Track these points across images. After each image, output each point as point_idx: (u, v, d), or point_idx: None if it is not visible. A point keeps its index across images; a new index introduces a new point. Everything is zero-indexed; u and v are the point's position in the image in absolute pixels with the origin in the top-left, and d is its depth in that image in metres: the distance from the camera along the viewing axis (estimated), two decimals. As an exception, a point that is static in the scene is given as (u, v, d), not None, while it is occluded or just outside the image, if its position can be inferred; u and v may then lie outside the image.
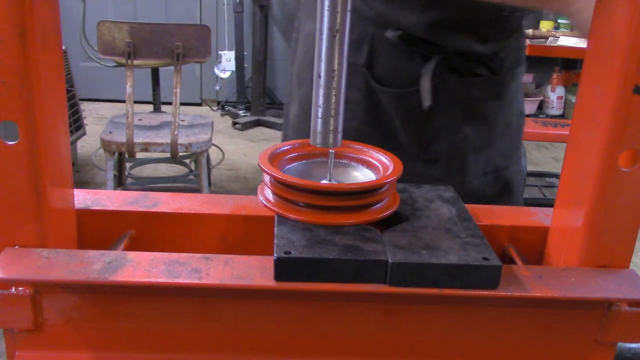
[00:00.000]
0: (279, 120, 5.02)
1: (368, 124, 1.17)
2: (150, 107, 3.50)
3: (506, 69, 1.17)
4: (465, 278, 0.67)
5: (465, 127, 1.15)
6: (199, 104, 5.44)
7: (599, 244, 0.74)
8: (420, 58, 1.11)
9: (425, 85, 1.08)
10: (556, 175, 4.04)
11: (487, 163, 1.19)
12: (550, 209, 0.84)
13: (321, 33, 0.70)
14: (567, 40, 4.15)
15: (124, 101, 2.86)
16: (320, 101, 0.73)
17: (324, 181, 0.81)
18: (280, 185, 0.77)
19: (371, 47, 1.13)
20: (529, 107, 5.26)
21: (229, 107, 5.33)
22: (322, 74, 0.72)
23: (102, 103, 5.24)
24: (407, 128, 1.15)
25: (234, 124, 5.03)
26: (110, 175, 2.96)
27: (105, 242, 0.81)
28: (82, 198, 0.84)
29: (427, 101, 1.09)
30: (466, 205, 0.82)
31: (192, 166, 3.73)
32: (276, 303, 0.72)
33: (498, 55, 1.14)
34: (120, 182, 3.24)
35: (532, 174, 3.96)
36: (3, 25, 0.62)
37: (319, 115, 0.74)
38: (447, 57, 1.10)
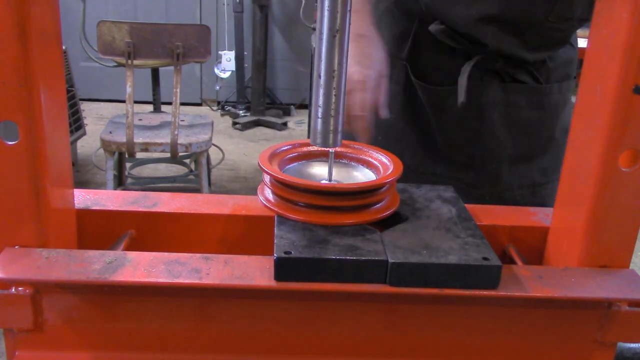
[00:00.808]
0: (279, 120, 5.02)
1: (404, 119, 1.17)
2: (150, 107, 3.50)
3: (553, 81, 1.14)
4: (465, 278, 0.67)
5: (501, 134, 1.14)
6: (199, 104, 5.44)
7: (599, 244, 0.74)
8: (462, 56, 1.10)
9: (462, 81, 1.08)
10: (556, 175, 4.03)
11: (523, 176, 1.17)
12: (550, 209, 0.84)
13: (321, 33, 0.70)
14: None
15: (124, 101, 2.86)
16: (320, 101, 0.73)
17: (323, 181, 0.81)
18: (280, 185, 0.77)
19: (414, 42, 1.14)
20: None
21: (229, 107, 5.33)
22: (322, 74, 0.72)
23: (102, 103, 5.23)
24: (442, 127, 1.15)
25: (234, 124, 5.03)
26: (110, 175, 2.96)
27: (105, 242, 0.81)
28: (82, 198, 0.84)
29: (461, 97, 1.08)
30: (466, 205, 0.82)
31: (192, 166, 3.72)
32: (276, 303, 0.72)
33: (545, 65, 1.12)
34: (120, 182, 3.24)
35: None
36: (3, 25, 0.62)
37: (319, 115, 0.74)
38: (490, 58, 1.10)
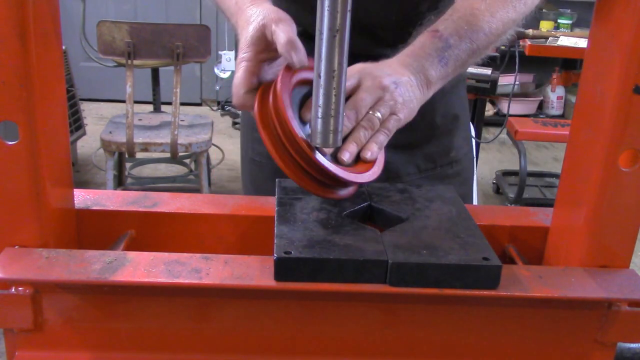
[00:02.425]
0: (279, 120, 5.01)
1: None
2: (150, 107, 3.50)
3: None
4: (465, 278, 0.67)
5: None
6: (199, 104, 5.44)
7: (599, 244, 0.74)
8: None
9: None
10: (556, 175, 4.04)
11: (408, 164, 1.20)
12: (550, 209, 0.84)
13: (321, 33, 0.70)
14: (567, 40, 4.14)
15: (124, 101, 2.86)
16: (320, 101, 0.73)
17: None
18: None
19: None
20: (529, 107, 5.25)
21: (229, 107, 5.32)
22: (322, 74, 0.72)
23: (102, 103, 5.23)
24: None
25: (234, 124, 5.03)
26: (110, 175, 2.96)
27: (105, 242, 0.81)
28: (82, 198, 0.84)
29: None
30: (466, 205, 0.82)
31: (192, 166, 3.72)
32: (276, 303, 0.72)
33: None
34: (120, 182, 3.24)
35: (532, 174, 3.95)
36: (3, 25, 0.62)
37: (319, 115, 0.73)
38: (353, 56, 1.11)
